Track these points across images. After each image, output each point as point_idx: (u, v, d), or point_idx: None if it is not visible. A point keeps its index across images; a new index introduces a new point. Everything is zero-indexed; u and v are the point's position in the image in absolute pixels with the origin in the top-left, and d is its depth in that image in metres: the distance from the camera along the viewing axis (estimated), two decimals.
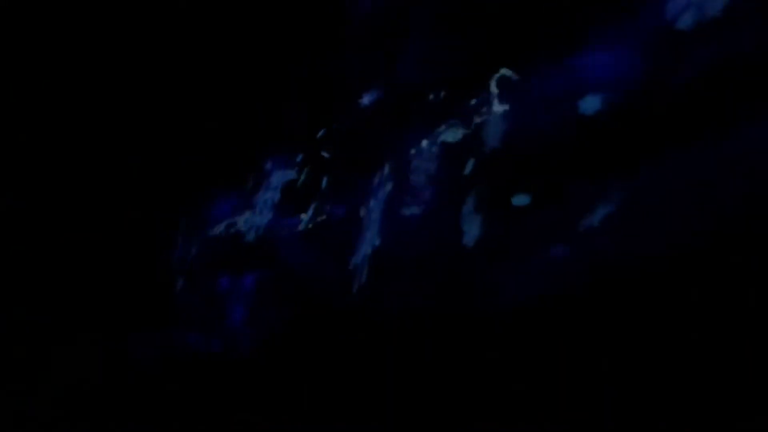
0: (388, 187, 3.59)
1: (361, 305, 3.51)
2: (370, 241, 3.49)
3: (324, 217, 4.00)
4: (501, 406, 2.53)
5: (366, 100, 4.00)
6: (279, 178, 4.36)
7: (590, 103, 2.60)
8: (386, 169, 3.68)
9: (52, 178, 4.63)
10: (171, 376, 4.34)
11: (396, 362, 3.18)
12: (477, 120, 3.13)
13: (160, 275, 4.56)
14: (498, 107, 3.03)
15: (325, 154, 4.17)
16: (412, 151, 3.56)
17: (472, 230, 2.75)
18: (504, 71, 3.08)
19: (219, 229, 4.51)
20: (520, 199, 2.67)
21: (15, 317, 4.39)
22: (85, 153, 4.65)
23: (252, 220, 4.36)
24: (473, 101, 3.18)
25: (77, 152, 4.64)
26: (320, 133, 4.23)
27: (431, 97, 3.49)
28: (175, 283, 4.51)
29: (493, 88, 3.08)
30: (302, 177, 4.25)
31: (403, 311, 3.11)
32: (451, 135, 3.24)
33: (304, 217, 4.09)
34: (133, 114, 4.63)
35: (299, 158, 4.29)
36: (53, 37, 4.50)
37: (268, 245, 4.19)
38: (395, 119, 3.76)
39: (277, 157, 4.43)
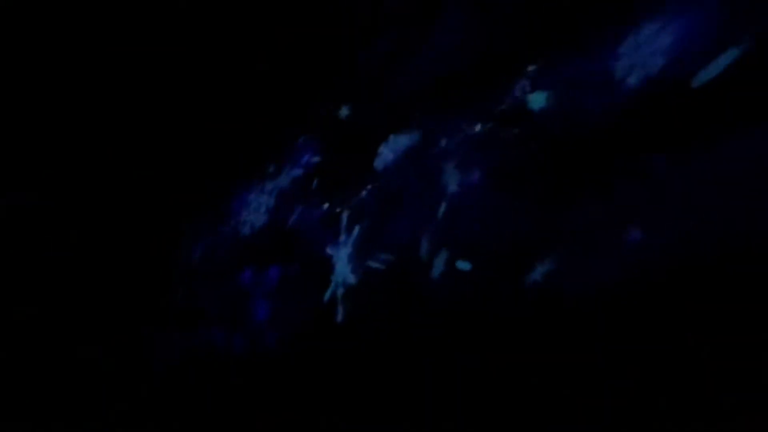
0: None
1: (400, 300, 3.23)
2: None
3: (350, 204, 3.74)
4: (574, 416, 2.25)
5: (389, 89, 3.76)
6: (302, 165, 4.10)
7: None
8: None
9: (70, 174, 4.48)
10: (192, 376, 4.11)
11: (439, 367, 2.90)
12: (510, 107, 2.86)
13: (178, 271, 4.32)
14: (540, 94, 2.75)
15: (349, 141, 3.92)
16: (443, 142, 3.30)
17: (521, 223, 2.49)
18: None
19: (240, 220, 4.25)
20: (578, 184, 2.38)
21: (32, 317, 4.18)
22: (102, 146, 4.50)
23: (274, 210, 4.10)
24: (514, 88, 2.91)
25: (95, 146, 4.49)
26: (343, 115, 3.99)
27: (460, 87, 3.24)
28: (195, 279, 4.27)
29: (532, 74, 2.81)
30: (326, 164, 3.98)
31: (447, 314, 2.83)
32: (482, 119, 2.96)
33: (329, 205, 3.83)
34: (151, 105, 4.46)
35: (322, 146, 4.04)
36: (66, 33, 4.35)
37: (294, 236, 3.93)
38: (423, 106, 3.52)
39: (299, 144, 4.17)
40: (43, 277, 4.31)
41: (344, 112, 4.02)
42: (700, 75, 2.13)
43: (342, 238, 3.63)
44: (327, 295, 3.57)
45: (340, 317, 3.51)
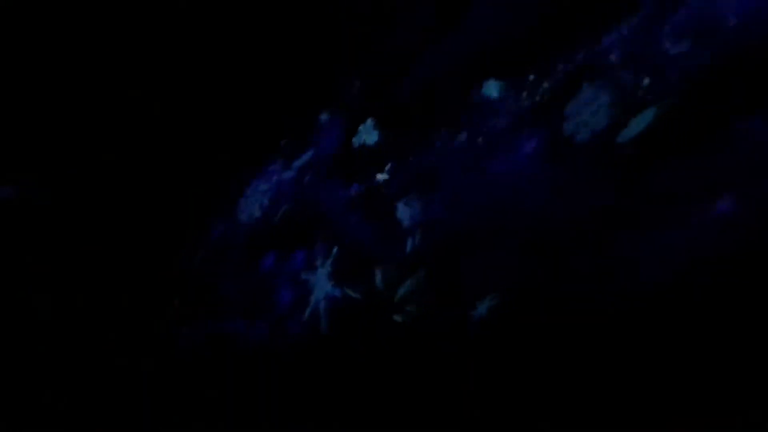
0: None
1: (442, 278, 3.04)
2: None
3: (379, 182, 3.54)
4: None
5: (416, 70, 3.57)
6: (327, 143, 3.90)
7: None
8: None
9: (84, 161, 4.30)
10: (213, 367, 3.91)
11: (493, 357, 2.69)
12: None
13: (197, 258, 4.12)
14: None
15: (380, 115, 3.72)
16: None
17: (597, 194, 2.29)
18: None
19: (260, 203, 4.05)
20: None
21: (47, 310, 4.05)
22: (115, 131, 4.30)
23: (297, 193, 3.90)
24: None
25: (107, 131, 4.30)
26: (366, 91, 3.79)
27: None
28: (214, 265, 4.07)
29: None
30: (354, 141, 3.78)
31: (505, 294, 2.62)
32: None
33: (359, 184, 3.63)
34: (166, 89, 4.26)
35: (348, 122, 3.83)
36: (73, 25, 4.20)
37: (320, 218, 3.72)
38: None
39: (322, 122, 3.97)
40: (58, 268, 4.14)
41: (368, 87, 3.82)
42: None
43: (318, 262, 3.56)
44: (307, 312, 3.52)
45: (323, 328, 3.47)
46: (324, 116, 3.95)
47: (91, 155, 4.27)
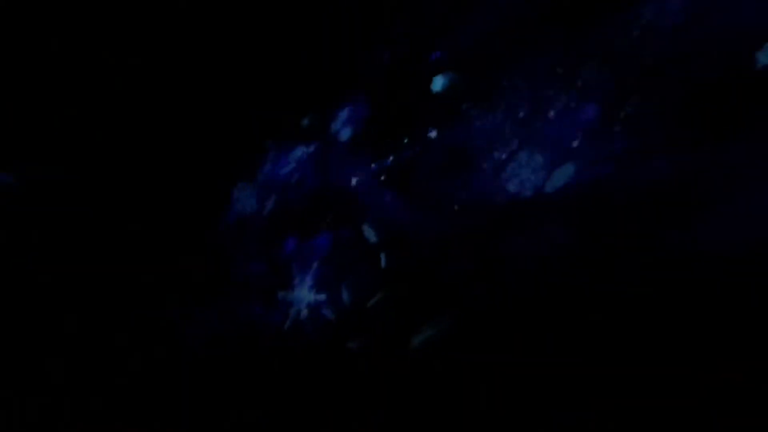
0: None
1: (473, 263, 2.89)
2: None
3: (408, 156, 3.40)
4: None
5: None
6: (350, 121, 3.75)
7: None
8: None
9: (104, 140, 4.19)
10: (230, 356, 3.76)
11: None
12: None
13: (214, 242, 3.97)
14: None
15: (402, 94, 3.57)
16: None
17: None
18: None
19: (281, 184, 3.89)
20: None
21: (62, 293, 3.91)
22: (135, 111, 4.18)
23: (320, 173, 3.75)
24: None
25: (126, 111, 4.18)
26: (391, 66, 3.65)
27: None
28: (233, 250, 3.91)
29: None
30: (377, 118, 3.64)
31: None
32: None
33: (384, 160, 3.48)
34: (185, 68, 4.12)
35: (369, 99, 3.69)
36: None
37: (345, 199, 3.58)
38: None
39: (346, 97, 3.82)
40: (73, 248, 3.99)
41: (393, 62, 3.68)
42: None
43: (296, 281, 3.52)
44: (288, 323, 3.45)
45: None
46: (347, 94, 3.81)
47: (109, 132, 4.14)
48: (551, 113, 2.59)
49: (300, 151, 3.84)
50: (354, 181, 3.54)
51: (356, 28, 3.81)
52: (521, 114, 2.73)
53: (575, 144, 2.52)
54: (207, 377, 3.71)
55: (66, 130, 4.13)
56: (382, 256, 3.28)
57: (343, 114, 3.73)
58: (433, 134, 3.18)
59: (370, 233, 3.25)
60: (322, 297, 3.47)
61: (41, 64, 4.08)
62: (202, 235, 4.03)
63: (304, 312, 3.46)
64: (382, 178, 3.45)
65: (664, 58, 2.38)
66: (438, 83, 2.98)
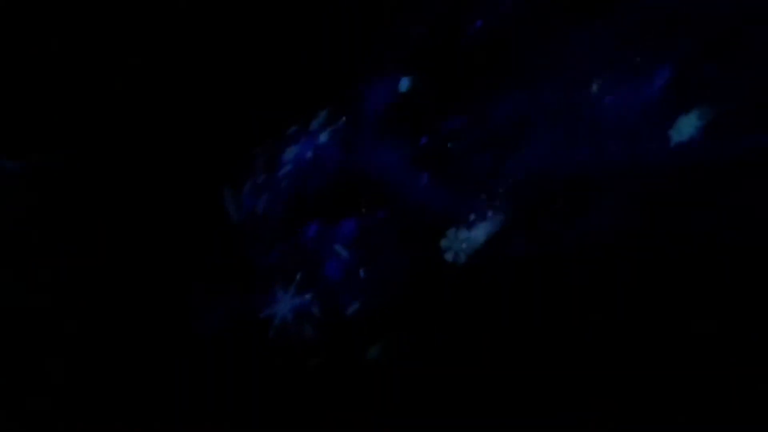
0: None
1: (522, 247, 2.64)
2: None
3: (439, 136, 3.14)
4: None
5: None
6: (375, 100, 3.50)
7: None
8: None
9: (114, 128, 4.09)
10: (247, 349, 3.52)
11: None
12: None
13: (231, 227, 3.74)
14: None
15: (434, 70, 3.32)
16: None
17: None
18: None
19: (300, 168, 3.65)
20: None
21: (71, 279, 3.78)
22: (146, 99, 4.07)
23: (344, 154, 3.50)
24: None
25: (138, 100, 4.08)
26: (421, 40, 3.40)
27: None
28: (251, 236, 3.68)
29: None
30: (406, 97, 3.39)
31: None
32: None
33: (414, 140, 3.23)
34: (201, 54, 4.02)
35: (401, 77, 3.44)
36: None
37: (371, 182, 3.32)
38: None
39: (370, 75, 3.57)
40: (84, 236, 3.85)
41: (423, 36, 3.43)
42: None
43: (279, 294, 3.40)
44: (271, 332, 3.33)
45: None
46: (372, 71, 3.56)
47: (122, 121, 4.03)
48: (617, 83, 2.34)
49: (322, 136, 3.60)
50: (384, 163, 3.29)
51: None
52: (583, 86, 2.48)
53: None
54: (211, 377, 3.51)
55: (78, 118, 4.01)
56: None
57: (374, 91, 3.48)
58: (478, 110, 2.92)
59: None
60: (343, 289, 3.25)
61: (47, 56, 3.98)
62: (217, 225, 3.83)
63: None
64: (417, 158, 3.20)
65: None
66: (481, 55, 2.74)
